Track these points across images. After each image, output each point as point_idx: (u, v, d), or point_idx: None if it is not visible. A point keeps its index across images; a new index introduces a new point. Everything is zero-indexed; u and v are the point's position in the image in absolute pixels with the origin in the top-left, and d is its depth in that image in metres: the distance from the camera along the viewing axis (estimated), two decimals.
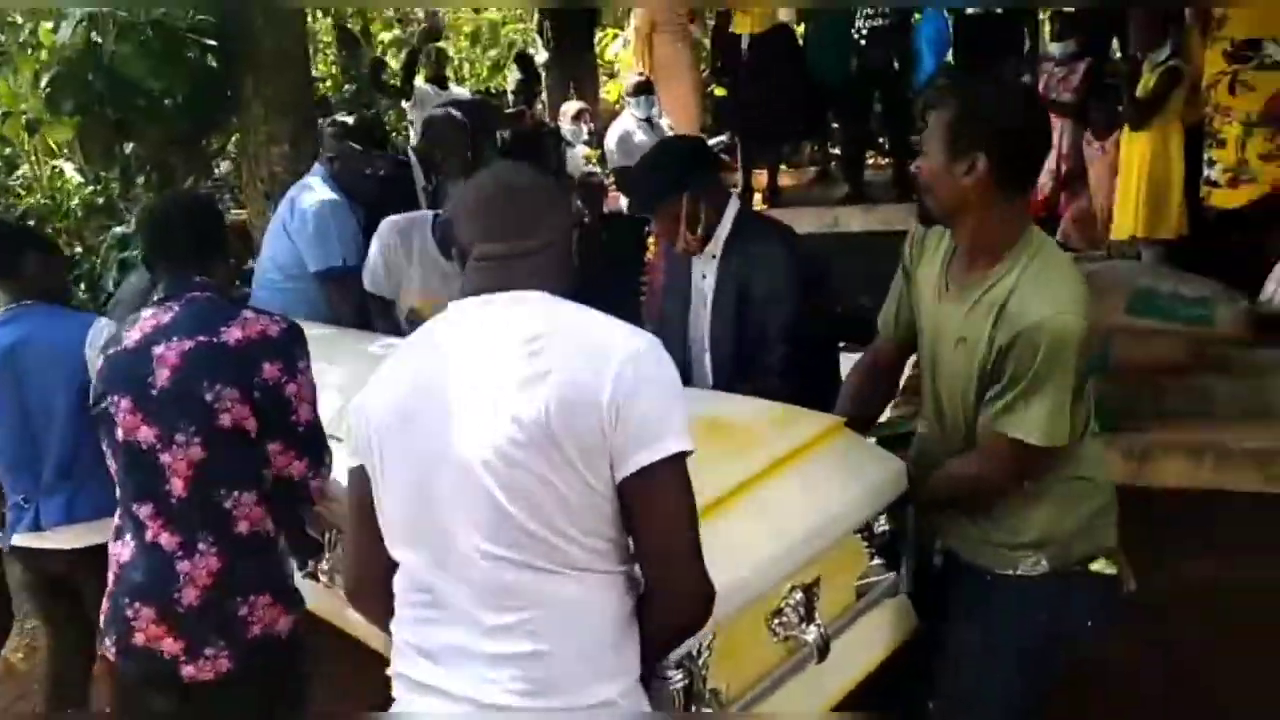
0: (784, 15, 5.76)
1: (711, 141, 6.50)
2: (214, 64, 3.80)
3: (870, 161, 6.22)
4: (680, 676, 1.56)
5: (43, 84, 3.51)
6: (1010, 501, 1.82)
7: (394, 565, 1.40)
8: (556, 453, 1.27)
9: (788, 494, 1.82)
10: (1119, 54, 5.33)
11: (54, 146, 4.45)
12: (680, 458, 1.30)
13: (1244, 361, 3.53)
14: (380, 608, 1.44)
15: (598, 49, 7.93)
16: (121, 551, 1.93)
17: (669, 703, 1.54)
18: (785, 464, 1.86)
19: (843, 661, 1.84)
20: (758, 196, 6.15)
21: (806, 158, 6.86)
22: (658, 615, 1.35)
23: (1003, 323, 1.69)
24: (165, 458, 1.84)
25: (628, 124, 5.45)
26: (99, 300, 4.48)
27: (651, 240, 5.04)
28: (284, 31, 3.96)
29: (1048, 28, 5.84)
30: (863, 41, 5.51)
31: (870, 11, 5.45)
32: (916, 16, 5.71)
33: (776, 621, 1.75)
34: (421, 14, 9.60)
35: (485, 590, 1.32)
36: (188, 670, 1.87)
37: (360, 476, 1.41)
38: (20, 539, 2.44)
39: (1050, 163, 4.80)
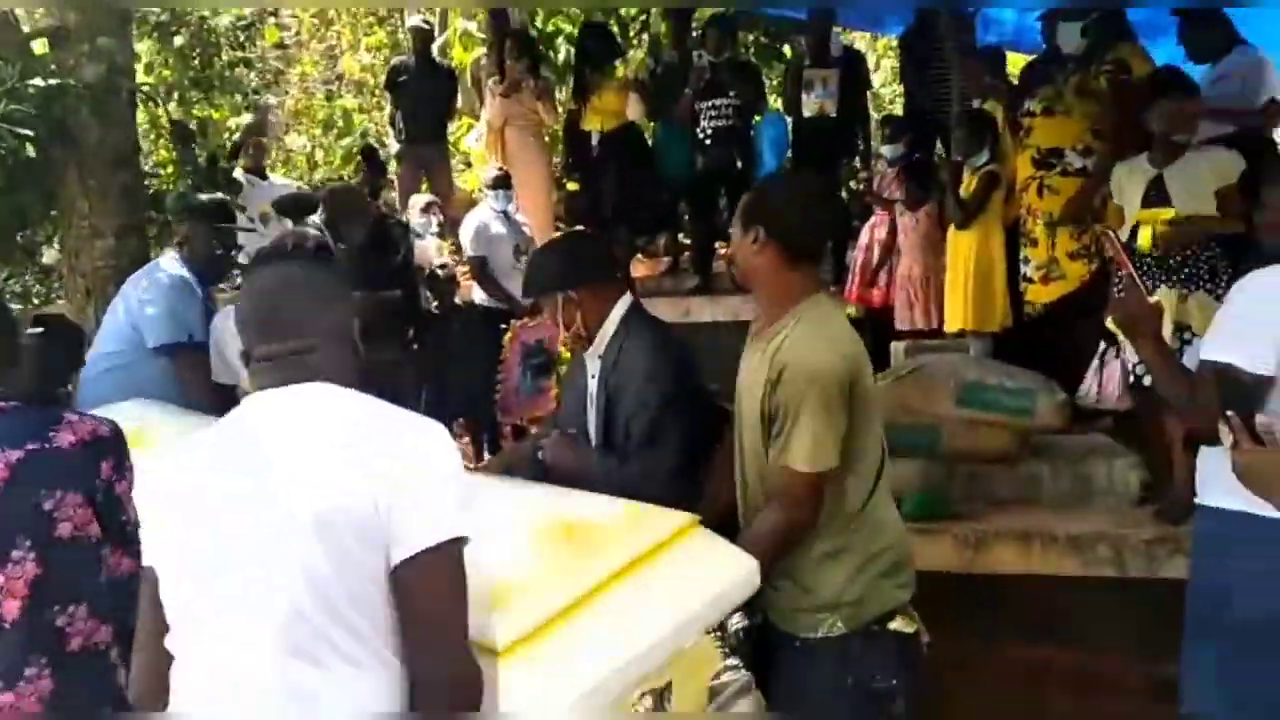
0: (632, 114, 5.92)
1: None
2: (32, 154, 3.59)
3: (722, 252, 6.40)
4: None
5: None
6: (807, 564, 2.00)
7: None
8: (335, 542, 1.32)
9: (642, 596, 1.81)
10: (942, 156, 5.70)
11: None
12: (455, 543, 1.36)
13: (1065, 449, 3.73)
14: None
15: (451, 140, 7.95)
16: None
17: None
18: (640, 564, 1.86)
19: None
20: None
21: (661, 249, 7.01)
22: (422, 702, 1.36)
23: (774, 364, 1.97)
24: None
25: (485, 215, 5.45)
26: None
27: (508, 335, 5.02)
28: (112, 123, 3.81)
29: (879, 132, 6.26)
30: (707, 141, 5.72)
31: (714, 113, 5.66)
32: (757, 119, 5.97)
33: None
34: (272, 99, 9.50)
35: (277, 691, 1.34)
36: None
37: (151, 576, 1.43)
38: None
39: (867, 242, 5.38)
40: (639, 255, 6.68)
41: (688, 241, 6.56)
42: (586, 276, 2.42)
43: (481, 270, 5.29)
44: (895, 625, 2.04)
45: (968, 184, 4.71)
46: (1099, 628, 3.25)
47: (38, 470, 1.78)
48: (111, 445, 1.86)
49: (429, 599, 1.35)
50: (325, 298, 1.49)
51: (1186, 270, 3.33)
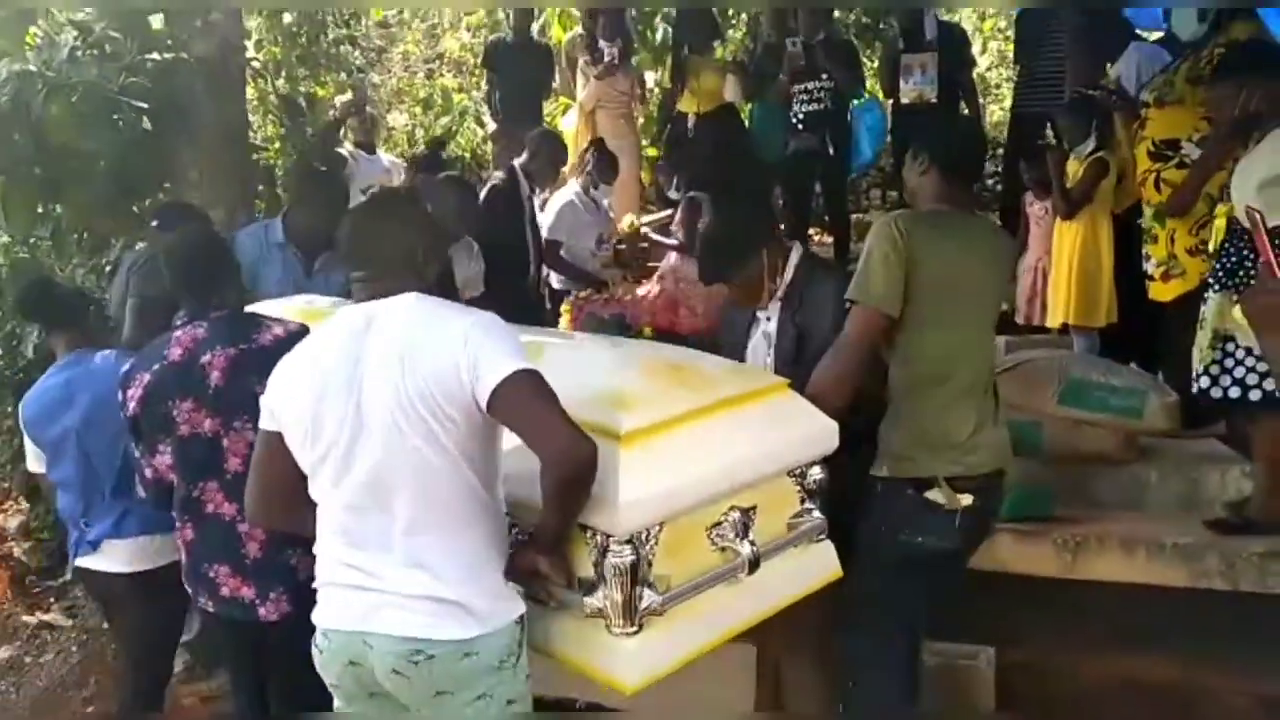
0: (729, 96, 5.84)
1: (654, 217, 6.56)
2: (148, 127, 3.71)
3: (815, 236, 6.30)
4: (629, 553, 1.89)
5: None
6: (887, 416, 2.44)
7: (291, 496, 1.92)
8: (430, 409, 1.75)
9: (737, 425, 2.15)
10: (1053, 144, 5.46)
11: None
12: (527, 372, 1.75)
13: (1175, 453, 3.57)
14: (280, 520, 2.03)
15: (548, 120, 7.97)
16: (186, 533, 2.43)
17: (615, 573, 1.88)
18: (731, 405, 2.18)
19: (768, 584, 2.19)
20: None
21: None
22: (546, 480, 1.77)
23: None
24: (225, 442, 2.34)
25: (570, 197, 5.43)
26: (15, 363, 4.32)
27: (564, 309, 5.00)
28: (224, 97, 3.91)
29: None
30: (799, 125, 5.61)
31: (806, 96, 5.55)
32: (856, 102, 5.83)
33: (715, 533, 2.11)
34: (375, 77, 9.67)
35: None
36: (262, 611, 2.36)
37: (274, 440, 1.91)
38: (81, 561, 2.89)
39: None
40: None
41: (781, 226, 6.47)
42: (768, 237, 2.71)
43: (555, 254, 5.19)
44: (931, 494, 2.38)
45: (1073, 172, 4.53)
46: (1204, 642, 3.10)
47: (249, 364, 2.29)
48: (298, 340, 2.17)
49: (522, 407, 1.74)
50: (395, 236, 1.92)
51: (1240, 274, 3.08)
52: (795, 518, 2.29)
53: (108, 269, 4.69)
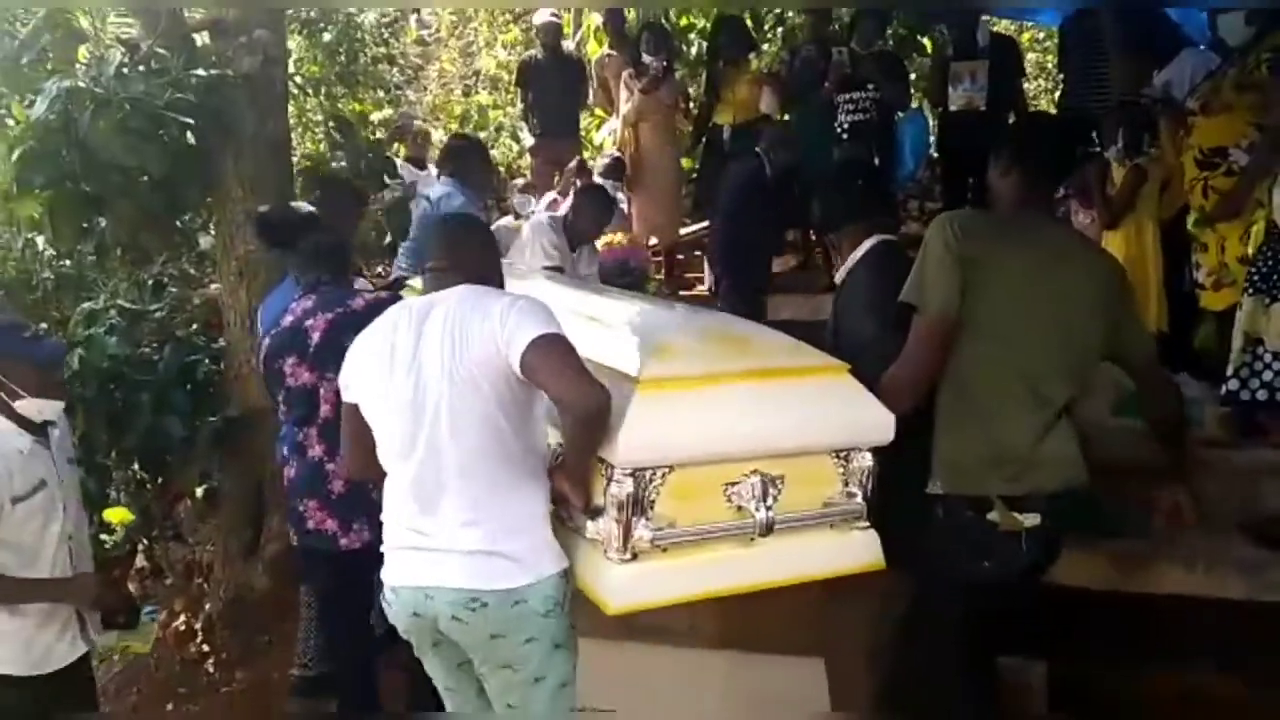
0: (765, 107, 5.82)
1: (692, 228, 6.53)
2: (192, 142, 3.75)
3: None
4: (630, 485, 2.03)
5: (13, 158, 3.44)
6: (937, 421, 2.34)
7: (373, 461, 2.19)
8: (475, 386, 2.05)
9: (776, 394, 2.19)
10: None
11: (30, 218, 4.40)
12: (554, 335, 2.01)
13: (1233, 464, 3.47)
14: (370, 474, 2.24)
15: (584, 134, 8.00)
16: (289, 472, 2.98)
17: (614, 502, 2.03)
18: (785, 374, 2.23)
19: (787, 554, 2.22)
20: None
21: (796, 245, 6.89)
22: (564, 424, 2.03)
23: None
24: (321, 392, 2.84)
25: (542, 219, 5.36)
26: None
27: None
28: (267, 113, 3.94)
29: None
30: (844, 135, 5.57)
31: (851, 106, 5.51)
32: (900, 115, 5.78)
33: (732, 490, 2.15)
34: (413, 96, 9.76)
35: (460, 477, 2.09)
36: (343, 542, 2.87)
37: (353, 410, 2.21)
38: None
39: None
40: None
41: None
42: (848, 218, 2.75)
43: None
44: (991, 516, 2.26)
45: (1117, 180, 4.46)
46: (1265, 657, 3.00)
47: (343, 326, 2.73)
48: (389, 305, 2.43)
49: (543, 363, 1.98)
50: (466, 239, 2.32)
51: (1275, 277, 3.11)
52: (832, 499, 2.27)
53: (149, 283, 4.76)
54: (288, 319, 2.93)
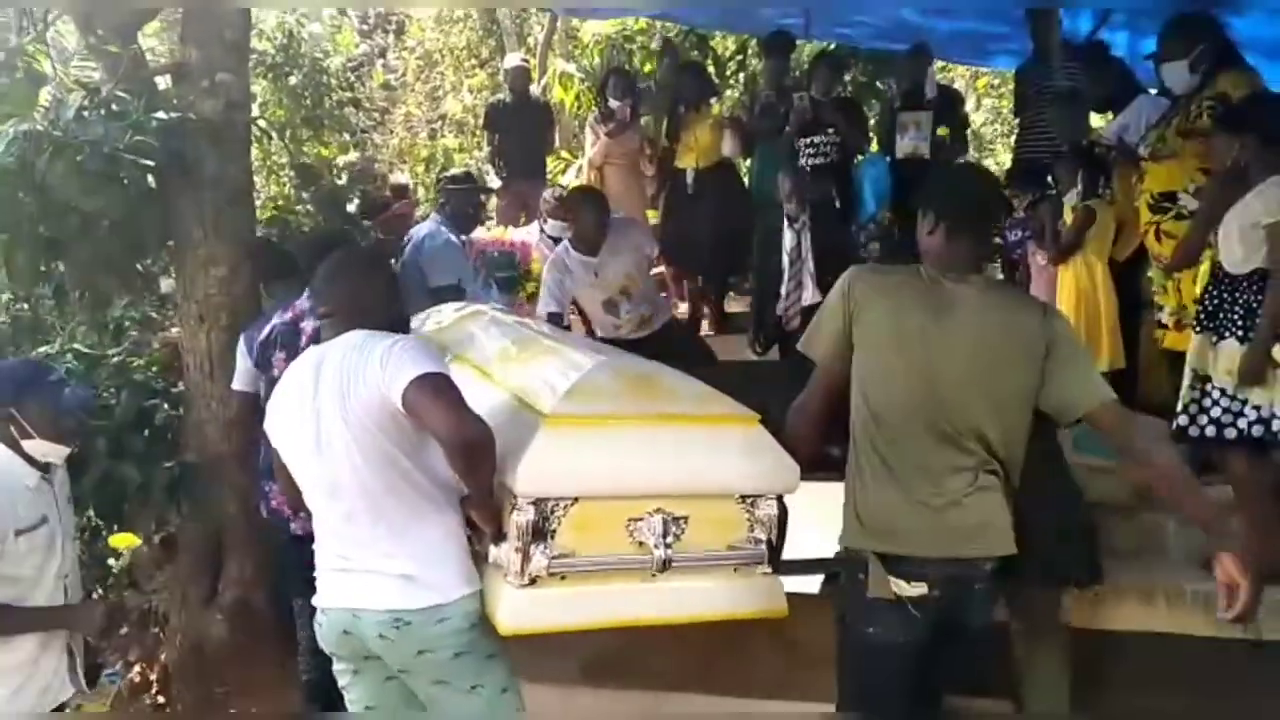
0: (726, 151, 5.90)
1: (659, 269, 6.57)
2: (152, 185, 3.72)
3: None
4: (531, 514, 2.16)
5: None
6: None
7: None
8: (363, 428, 2.17)
9: (682, 440, 2.31)
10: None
11: None
12: (434, 374, 2.10)
13: None
14: (304, 507, 2.36)
15: (550, 176, 8.05)
16: (264, 454, 3.13)
17: (515, 530, 2.16)
18: (686, 421, 2.34)
19: (687, 592, 2.33)
20: (704, 324, 6.18)
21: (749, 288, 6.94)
22: (450, 461, 2.15)
23: None
24: None
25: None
26: None
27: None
28: (229, 157, 3.93)
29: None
30: (806, 179, 5.64)
31: (813, 150, 5.60)
32: (859, 159, 5.88)
33: (634, 525, 2.27)
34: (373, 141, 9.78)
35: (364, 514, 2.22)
36: (293, 526, 3.12)
37: (278, 453, 2.36)
38: None
39: None
40: (731, 293, 6.62)
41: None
42: None
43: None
44: (869, 577, 2.20)
45: (1067, 221, 4.58)
46: (1228, 691, 3.02)
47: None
48: None
49: (424, 398, 2.07)
50: (346, 286, 2.36)
51: (1220, 316, 3.18)
52: (737, 543, 2.36)
53: (109, 327, 4.69)
54: (287, 314, 3.32)
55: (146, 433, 4.01)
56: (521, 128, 6.88)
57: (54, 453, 2.61)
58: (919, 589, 2.16)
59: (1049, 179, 4.95)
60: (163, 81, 4.00)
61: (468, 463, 2.11)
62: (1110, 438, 2.21)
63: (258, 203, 7.01)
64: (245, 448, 3.76)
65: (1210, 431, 3.18)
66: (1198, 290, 3.32)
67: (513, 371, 2.56)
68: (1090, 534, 2.98)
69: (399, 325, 2.35)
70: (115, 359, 4.27)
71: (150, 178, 3.66)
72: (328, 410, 2.19)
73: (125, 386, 4.08)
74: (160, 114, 3.65)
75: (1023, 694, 2.92)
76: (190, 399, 4.04)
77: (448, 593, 2.19)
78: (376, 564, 2.20)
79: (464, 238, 4.88)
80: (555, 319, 4.35)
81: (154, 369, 4.36)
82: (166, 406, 4.13)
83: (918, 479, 2.18)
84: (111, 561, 2.95)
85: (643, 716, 2.96)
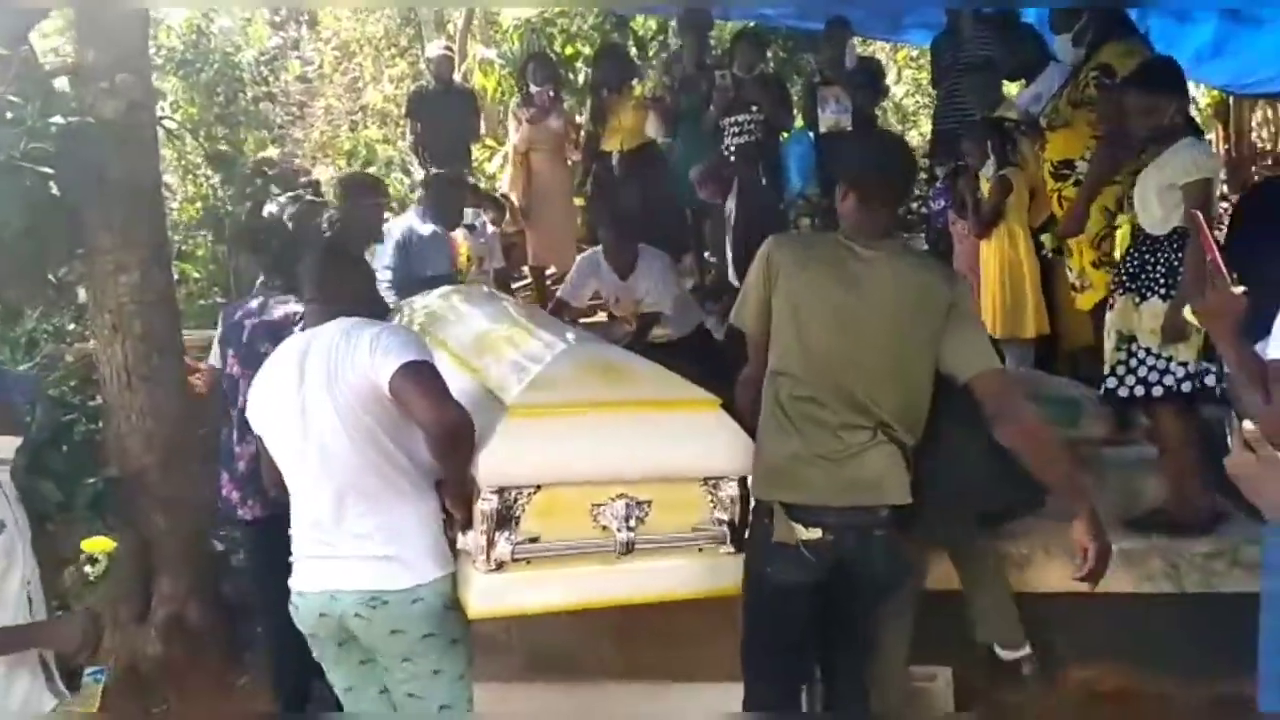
0: (651, 132, 5.88)
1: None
2: (55, 192, 3.58)
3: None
4: (495, 502, 2.27)
5: None
6: None
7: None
8: (351, 416, 2.25)
9: (643, 425, 2.40)
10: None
11: None
12: (419, 362, 2.21)
13: (1112, 461, 3.60)
14: (286, 494, 2.42)
15: (476, 164, 7.95)
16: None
17: (481, 517, 2.27)
18: (648, 407, 2.42)
19: (651, 573, 2.42)
20: None
21: (686, 268, 6.94)
22: (431, 447, 2.25)
23: None
24: (241, 384, 2.98)
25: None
26: None
27: None
28: (135, 158, 3.80)
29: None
30: (731, 158, 5.66)
31: (737, 129, 5.61)
32: (784, 136, 5.91)
33: (598, 510, 2.36)
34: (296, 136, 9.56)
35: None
36: (240, 512, 3.21)
37: (260, 441, 2.46)
38: None
39: None
40: None
41: (712, 260, 6.50)
42: None
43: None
44: (772, 520, 2.32)
45: (985, 192, 4.66)
46: (1155, 646, 3.12)
47: (263, 332, 3.09)
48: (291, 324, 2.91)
49: (409, 386, 2.17)
50: (343, 269, 2.51)
51: (1144, 275, 3.21)
52: (701, 524, 2.44)
53: (23, 341, 4.53)
54: (275, 313, 3.17)
55: (65, 449, 3.89)
56: (445, 115, 6.72)
57: (6, 445, 2.33)
58: (815, 533, 2.29)
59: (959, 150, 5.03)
60: (59, 83, 3.84)
61: (447, 450, 2.21)
62: (988, 403, 2.27)
63: (175, 203, 6.92)
64: (167, 458, 3.66)
65: (1139, 391, 3.21)
66: (1119, 253, 3.36)
67: (485, 359, 2.63)
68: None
69: (379, 313, 2.47)
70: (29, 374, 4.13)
71: (52, 184, 3.52)
72: (315, 395, 2.27)
73: (40, 402, 3.95)
74: (58, 118, 3.51)
75: (972, 618, 3.09)
76: (109, 412, 3.91)
77: (424, 574, 2.28)
78: (356, 546, 2.29)
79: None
80: (562, 306, 4.94)
81: (70, 383, 4.23)
82: (85, 421, 4.01)
83: (821, 434, 2.29)
84: (89, 569, 2.78)
85: (588, 709, 2.95)
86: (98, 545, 2.82)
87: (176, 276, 5.50)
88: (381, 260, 4.54)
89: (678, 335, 4.89)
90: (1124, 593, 3.12)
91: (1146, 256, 3.23)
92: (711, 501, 2.44)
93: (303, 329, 2.63)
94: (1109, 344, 3.33)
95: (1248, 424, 1.63)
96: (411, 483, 2.31)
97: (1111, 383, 3.30)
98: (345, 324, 2.32)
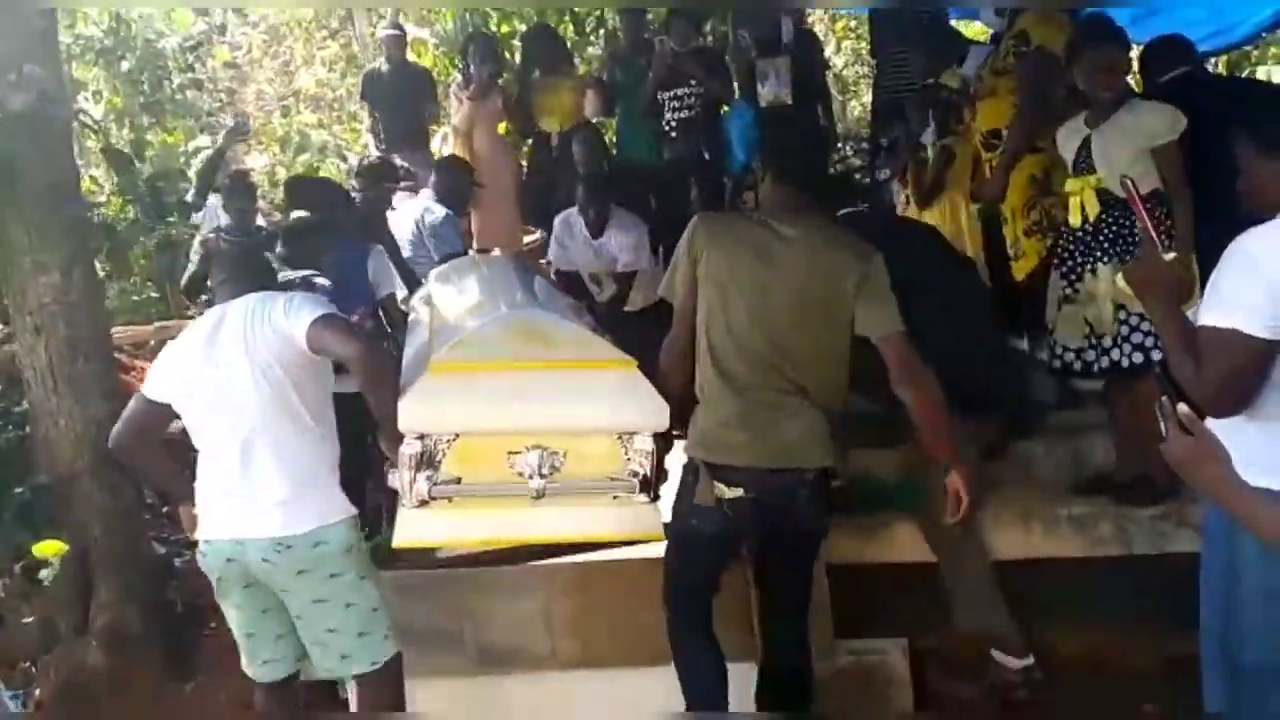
0: (589, 112, 5.80)
1: (527, 239, 6.46)
2: None
3: None
4: (418, 446, 2.64)
5: None
6: None
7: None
8: (268, 374, 2.52)
9: (557, 382, 2.68)
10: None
11: None
12: (328, 315, 2.51)
13: (1058, 426, 3.62)
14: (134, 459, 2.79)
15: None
16: None
17: (404, 460, 2.65)
18: (564, 366, 2.70)
19: (567, 517, 2.77)
20: None
21: None
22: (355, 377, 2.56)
23: None
24: None
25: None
26: None
27: None
28: (48, 152, 3.64)
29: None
30: (672, 133, 5.60)
31: (677, 104, 5.54)
32: (724, 109, 5.84)
33: (512, 458, 2.70)
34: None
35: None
36: None
37: (149, 404, 2.65)
38: None
39: None
40: None
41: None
42: None
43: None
44: (698, 481, 2.51)
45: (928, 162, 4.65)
46: (1106, 608, 3.15)
47: None
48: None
49: (326, 333, 2.47)
50: (243, 259, 2.94)
51: (1122, 242, 3.10)
52: (615, 475, 2.74)
53: None
54: None
55: None
56: (400, 96, 6.58)
57: None
58: (736, 493, 2.47)
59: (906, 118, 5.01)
60: None
61: (372, 380, 2.53)
62: (891, 363, 2.47)
63: (101, 197, 6.69)
64: (99, 463, 3.54)
65: (1138, 358, 3.07)
66: (1075, 221, 3.25)
67: (441, 323, 3.01)
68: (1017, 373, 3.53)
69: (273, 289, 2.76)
70: None
71: None
72: (231, 355, 2.52)
73: None
74: None
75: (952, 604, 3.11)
76: (35, 417, 3.77)
77: (325, 517, 2.51)
78: (262, 494, 2.50)
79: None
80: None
81: None
82: (10, 428, 3.86)
83: (743, 402, 2.47)
84: (43, 573, 2.66)
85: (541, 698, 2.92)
86: (49, 549, 2.74)
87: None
88: (403, 242, 4.72)
89: (644, 304, 4.90)
90: (1073, 557, 3.15)
91: (1125, 220, 3.10)
92: (626, 454, 2.71)
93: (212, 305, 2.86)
94: (1092, 313, 3.18)
95: (1182, 406, 1.63)
96: (313, 435, 2.56)
97: (1091, 355, 3.17)
98: (257, 296, 2.61)
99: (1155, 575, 2.97)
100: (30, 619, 2.83)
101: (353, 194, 4.78)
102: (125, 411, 2.71)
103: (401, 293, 4.31)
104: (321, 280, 3.63)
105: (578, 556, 2.87)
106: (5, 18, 3.54)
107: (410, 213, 4.93)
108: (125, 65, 7.20)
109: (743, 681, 2.60)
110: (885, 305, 2.48)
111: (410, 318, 3.67)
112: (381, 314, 4.18)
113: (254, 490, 2.53)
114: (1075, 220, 3.21)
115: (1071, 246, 3.29)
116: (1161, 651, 2.96)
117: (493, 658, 2.93)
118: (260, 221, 5.10)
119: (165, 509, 4.76)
